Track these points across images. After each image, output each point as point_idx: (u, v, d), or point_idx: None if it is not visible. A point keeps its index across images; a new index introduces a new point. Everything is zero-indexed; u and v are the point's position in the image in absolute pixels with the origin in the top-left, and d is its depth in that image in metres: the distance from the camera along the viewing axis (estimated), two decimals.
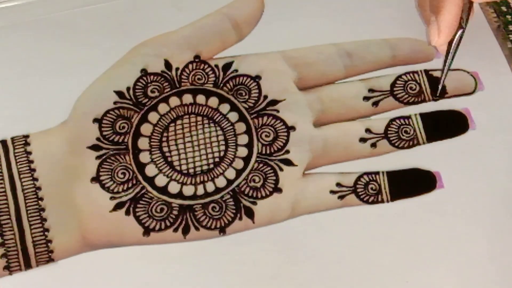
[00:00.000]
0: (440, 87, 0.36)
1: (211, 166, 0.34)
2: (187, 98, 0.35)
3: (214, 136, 0.34)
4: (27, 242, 0.32)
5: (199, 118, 0.35)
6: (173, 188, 0.33)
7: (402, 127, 0.36)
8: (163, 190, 0.33)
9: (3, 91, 0.38)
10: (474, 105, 0.37)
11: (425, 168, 0.35)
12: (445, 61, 0.36)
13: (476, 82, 0.37)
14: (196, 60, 0.35)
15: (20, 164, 0.32)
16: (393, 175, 0.35)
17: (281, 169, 0.34)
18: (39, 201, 0.32)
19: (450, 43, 0.36)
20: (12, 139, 0.33)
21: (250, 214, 0.33)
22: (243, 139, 0.34)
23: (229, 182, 0.34)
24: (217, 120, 0.35)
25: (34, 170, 0.32)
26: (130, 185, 0.33)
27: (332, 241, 0.34)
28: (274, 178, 0.34)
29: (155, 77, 0.35)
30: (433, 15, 0.35)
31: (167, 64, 0.35)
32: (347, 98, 0.36)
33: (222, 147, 0.34)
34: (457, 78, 0.37)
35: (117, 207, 0.32)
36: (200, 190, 0.33)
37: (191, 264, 0.33)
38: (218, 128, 0.34)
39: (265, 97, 0.35)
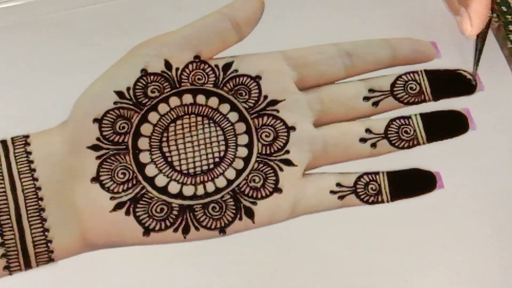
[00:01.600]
0: (474, 73, 0.36)
1: (211, 166, 0.34)
2: (187, 98, 0.35)
3: (214, 136, 0.34)
4: (27, 242, 0.31)
5: (199, 118, 0.35)
6: (173, 188, 0.33)
7: (402, 127, 0.36)
8: (163, 190, 0.33)
9: (3, 91, 0.38)
10: (474, 105, 0.37)
11: (425, 168, 0.35)
12: (476, 50, 0.36)
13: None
14: (196, 60, 0.35)
15: (20, 164, 0.32)
16: (393, 175, 0.35)
17: (281, 169, 0.34)
18: (39, 201, 0.32)
19: (481, 32, 0.36)
20: (12, 139, 0.33)
21: (250, 214, 0.33)
22: (243, 139, 0.34)
23: (229, 182, 0.33)
24: (217, 120, 0.35)
25: (34, 170, 0.32)
26: (130, 185, 0.33)
27: (332, 241, 0.34)
28: (274, 178, 0.34)
29: (155, 77, 0.35)
30: (463, 6, 0.34)
31: (167, 64, 0.35)
32: (347, 98, 0.36)
33: (222, 147, 0.34)
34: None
35: (117, 207, 0.32)
36: (200, 190, 0.33)
37: (191, 264, 0.33)
38: (218, 128, 0.34)
39: (265, 97, 0.35)
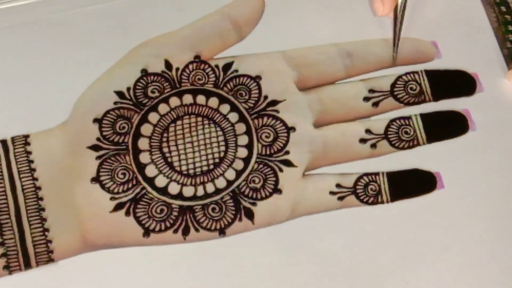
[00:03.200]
0: (394, 55, 0.36)
1: (211, 167, 0.34)
2: (187, 99, 0.35)
3: (214, 136, 0.34)
4: (27, 242, 0.32)
5: (199, 119, 0.34)
6: (173, 189, 0.33)
7: (402, 127, 0.36)
8: (163, 191, 0.33)
9: (3, 91, 0.38)
10: (474, 106, 0.37)
11: (425, 169, 0.35)
12: (394, 29, 0.37)
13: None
14: (196, 60, 0.35)
15: (20, 164, 0.32)
16: (393, 176, 0.35)
17: (281, 170, 0.34)
18: (39, 201, 0.32)
19: (396, 11, 0.36)
20: (12, 138, 0.33)
21: (249, 215, 0.33)
22: (243, 139, 0.34)
23: (229, 183, 0.33)
24: (217, 120, 0.35)
25: (34, 170, 0.32)
26: (130, 185, 0.33)
27: (332, 242, 0.34)
28: (274, 179, 0.34)
29: (155, 77, 0.35)
30: None
31: (168, 64, 0.35)
32: (347, 99, 0.36)
33: (222, 148, 0.34)
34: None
35: (117, 207, 0.32)
36: (200, 191, 0.33)
37: (191, 265, 0.33)
38: (218, 129, 0.34)
39: (265, 97, 0.35)
